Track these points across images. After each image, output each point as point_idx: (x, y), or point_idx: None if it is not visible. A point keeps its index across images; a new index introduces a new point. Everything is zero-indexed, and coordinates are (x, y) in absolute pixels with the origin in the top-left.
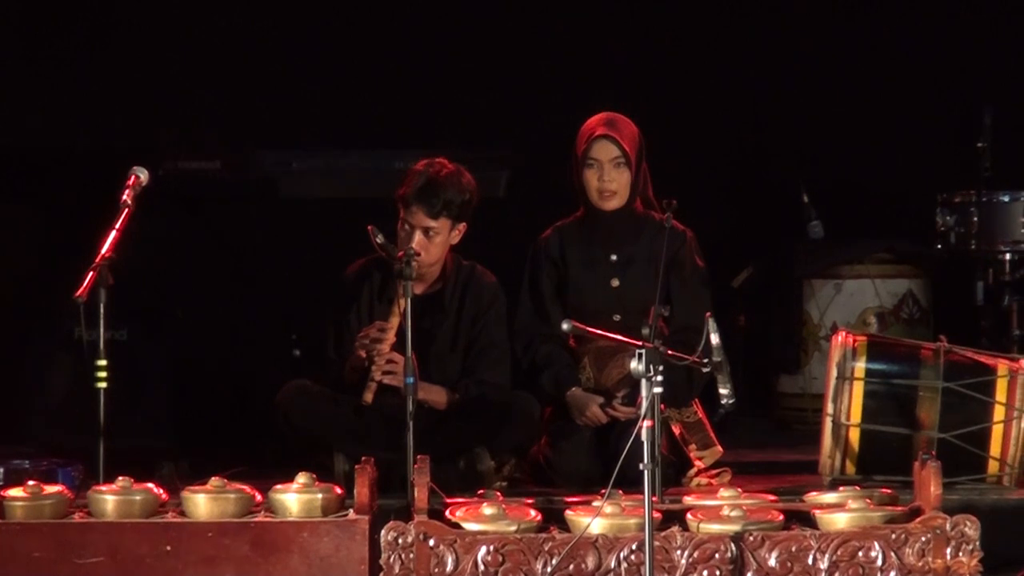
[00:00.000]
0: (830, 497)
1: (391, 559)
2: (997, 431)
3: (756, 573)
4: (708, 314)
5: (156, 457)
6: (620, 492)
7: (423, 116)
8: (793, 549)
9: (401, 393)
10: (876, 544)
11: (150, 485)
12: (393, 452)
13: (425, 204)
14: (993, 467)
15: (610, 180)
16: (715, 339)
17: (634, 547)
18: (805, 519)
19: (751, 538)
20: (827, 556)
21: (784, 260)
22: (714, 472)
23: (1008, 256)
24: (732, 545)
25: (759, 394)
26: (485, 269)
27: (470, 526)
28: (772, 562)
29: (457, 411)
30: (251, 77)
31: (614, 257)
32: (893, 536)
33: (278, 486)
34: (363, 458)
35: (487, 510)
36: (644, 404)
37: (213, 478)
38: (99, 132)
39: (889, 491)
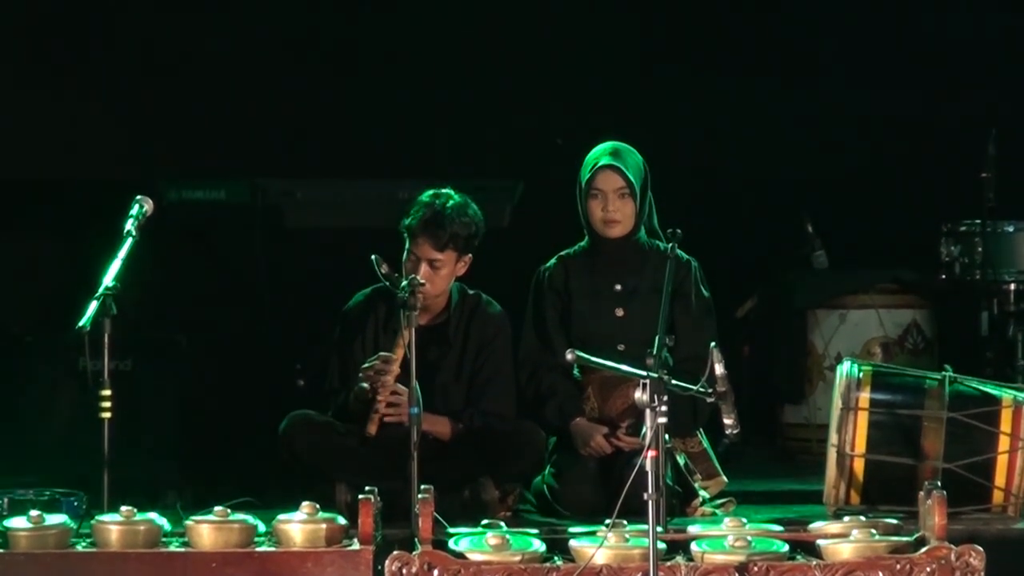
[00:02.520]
0: (835, 527)
1: None
2: (1002, 461)
3: None
4: (713, 344)
5: (160, 487)
6: (624, 522)
7: (428, 145)
8: None
9: (405, 424)
10: (881, 574)
11: (154, 515)
12: (397, 482)
13: (431, 237)
14: (998, 497)
15: (614, 210)
16: (720, 369)
17: None
18: (810, 549)
19: (756, 568)
20: None
21: (788, 290)
22: (719, 502)
23: (1013, 286)
24: (737, 575)
25: (764, 424)
26: (490, 299)
27: (475, 556)
28: None
29: (462, 441)
30: (256, 106)
31: (618, 287)
32: (898, 566)
33: (282, 516)
34: (367, 488)
35: (492, 540)
36: (648, 434)
37: (217, 508)
38: (103, 162)
39: (894, 521)
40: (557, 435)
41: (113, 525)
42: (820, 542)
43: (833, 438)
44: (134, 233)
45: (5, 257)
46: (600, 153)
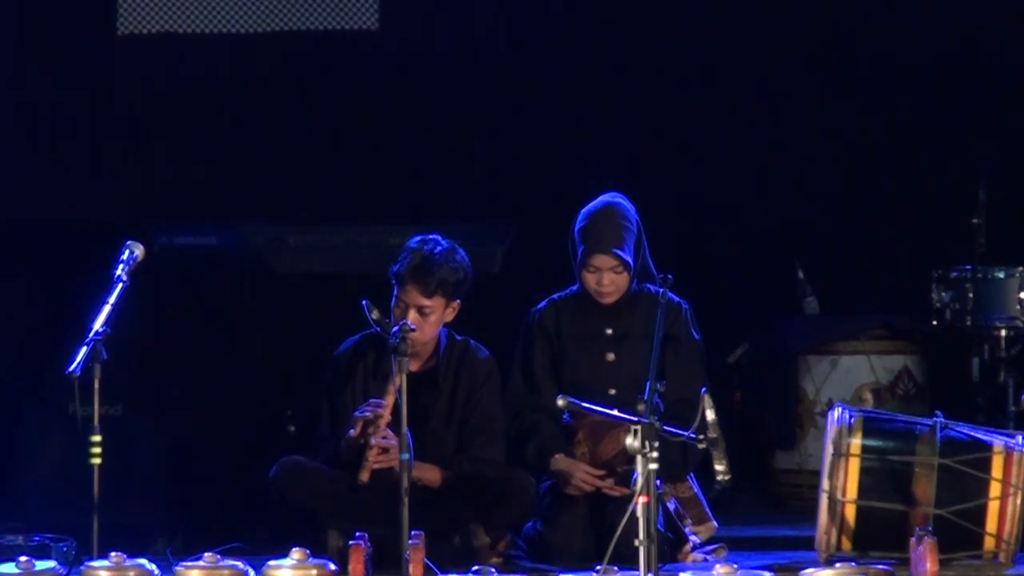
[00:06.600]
0: (826, 573)
1: None
2: (993, 507)
3: None
4: (704, 390)
5: (150, 532)
6: (615, 568)
7: (417, 191)
8: None
9: (396, 470)
10: None
11: (143, 560)
12: (388, 528)
13: (420, 283)
14: (990, 543)
15: (609, 283)
16: (711, 415)
17: None
18: None
19: None
20: None
21: (780, 336)
22: (710, 548)
23: (1004, 332)
24: None
25: (755, 470)
26: (479, 345)
27: None
28: None
29: (452, 487)
30: (246, 152)
31: (609, 331)
32: None
33: (272, 562)
34: (357, 534)
35: None
36: (640, 480)
37: (207, 553)
38: (93, 206)
39: (885, 567)
40: (539, 474)
41: (103, 571)
42: None
43: (824, 484)
44: (124, 278)
45: None
46: (595, 221)
